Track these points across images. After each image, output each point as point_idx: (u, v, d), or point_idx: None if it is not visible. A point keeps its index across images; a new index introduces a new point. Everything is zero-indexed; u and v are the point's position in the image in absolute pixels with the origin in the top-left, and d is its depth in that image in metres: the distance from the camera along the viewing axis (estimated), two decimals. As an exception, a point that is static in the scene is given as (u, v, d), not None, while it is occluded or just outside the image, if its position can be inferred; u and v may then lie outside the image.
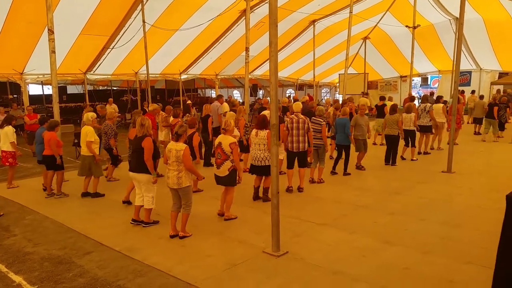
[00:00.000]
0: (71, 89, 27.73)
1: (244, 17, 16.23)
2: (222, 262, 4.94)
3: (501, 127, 14.80)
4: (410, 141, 10.94)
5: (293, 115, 7.94)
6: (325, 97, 30.79)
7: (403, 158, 10.99)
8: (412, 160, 10.95)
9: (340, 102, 13.19)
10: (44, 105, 22.44)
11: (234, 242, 5.62)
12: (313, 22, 21.13)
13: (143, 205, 6.31)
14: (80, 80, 19.03)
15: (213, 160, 7.27)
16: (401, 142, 10.55)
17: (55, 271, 4.85)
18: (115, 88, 29.00)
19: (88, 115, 8.16)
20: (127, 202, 7.39)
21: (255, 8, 16.67)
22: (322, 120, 8.62)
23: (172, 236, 5.75)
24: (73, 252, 5.42)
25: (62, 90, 24.84)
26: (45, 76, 16.12)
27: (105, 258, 5.19)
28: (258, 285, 4.37)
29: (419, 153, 11.72)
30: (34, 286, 4.50)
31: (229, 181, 6.44)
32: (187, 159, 5.58)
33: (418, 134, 11.50)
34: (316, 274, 4.60)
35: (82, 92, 23.26)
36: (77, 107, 22.48)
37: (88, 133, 7.80)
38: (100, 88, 28.59)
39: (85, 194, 8.03)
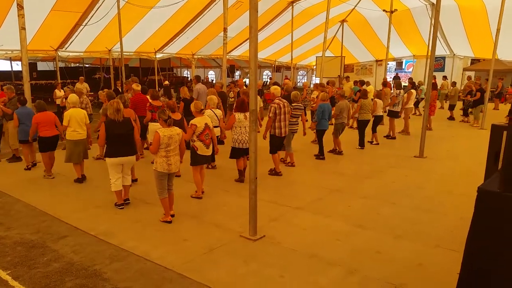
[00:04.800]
0: (41, 66, 26.76)
1: (222, -4, 15.95)
2: (199, 246, 4.98)
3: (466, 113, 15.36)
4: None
5: (278, 100, 7.94)
6: (303, 81, 30.86)
7: (374, 143, 11.26)
8: (377, 144, 11.26)
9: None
10: (13, 82, 21.62)
11: (210, 226, 5.65)
12: (292, 3, 20.98)
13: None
14: (51, 57, 18.41)
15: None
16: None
17: (28, 256, 4.77)
18: (87, 66, 28.21)
19: (74, 98, 7.78)
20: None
21: (233, -13, 16.40)
22: (301, 105, 8.83)
23: (170, 222, 5.74)
24: (47, 236, 5.34)
25: (32, 66, 23.84)
26: (14, 52, 15.52)
27: (80, 242, 5.14)
28: (236, 270, 4.43)
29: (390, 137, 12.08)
30: (7, 271, 4.42)
31: (212, 157, 6.96)
32: (183, 142, 5.89)
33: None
34: (292, 258, 4.70)
35: (53, 69, 22.50)
36: (48, 85, 21.77)
37: (86, 115, 7.64)
38: (72, 65, 27.74)
39: (83, 179, 7.73)
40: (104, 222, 5.78)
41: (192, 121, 6.60)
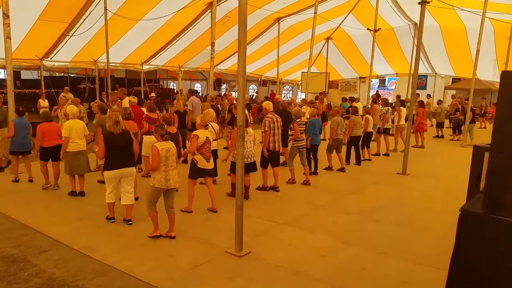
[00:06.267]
0: (25, 75, 26.38)
1: (209, 10, 16.10)
2: (184, 262, 4.94)
3: (459, 131, 15.69)
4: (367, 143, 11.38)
5: (271, 115, 8.00)
6: (288, 95, 31.16)
7: (367, 159, 11.37)
8: (368, 160, 11.38)
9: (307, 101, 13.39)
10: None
11: (196, 241, 5.62)
12: (278, 19, 21.30)
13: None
14: (35, 65, 18.22)
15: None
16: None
17: (8, 271, 4.66)
18: (72, 75, 27.96)
19: (74, 110, 7.73)
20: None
21: (221, 2, 16.55)
22: (304, 121, 8.92)
23: (159, 236, 5.61)
24: (29, 250, 5.22)
25: (15, 75, 23.43)
26: (-3, 60, 15.28)
27: (62, 256, 5.04)
28: (221, 286, 4.41)
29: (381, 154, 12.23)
30: (-14, 286, 4.32)
31: (215, 170, 6.94)
32: (177, 156, 5.86)
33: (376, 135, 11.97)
34: (278, 274, 4.70)
35: (37, 78, 22.23)
36: (32, 94, 21.48)
37: (85, 127, 7.57)
38: (57, 74, 27.45)
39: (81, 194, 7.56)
40: (88, 236, 5.69)
41: (194, 132, 6.64)
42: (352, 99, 14.34)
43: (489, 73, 21.76)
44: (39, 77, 19.55)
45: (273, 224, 6.33)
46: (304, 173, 8.82)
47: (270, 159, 8.08)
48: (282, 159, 9.03)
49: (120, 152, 6.00)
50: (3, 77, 23.72)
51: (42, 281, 4.43)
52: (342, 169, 10.05)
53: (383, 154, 12.21)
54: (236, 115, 7.88)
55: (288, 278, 4.63)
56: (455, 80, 26.04)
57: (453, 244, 2.73)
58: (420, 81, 25.18)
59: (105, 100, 14.89)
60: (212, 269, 4.80)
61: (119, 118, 6.00)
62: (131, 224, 6.14)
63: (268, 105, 8.26)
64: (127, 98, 10.82)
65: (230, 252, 5.18)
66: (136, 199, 7.10)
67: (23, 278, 4.49)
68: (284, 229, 6.16)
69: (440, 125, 16.50)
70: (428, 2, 9.69)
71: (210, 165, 6.73)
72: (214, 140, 7.79)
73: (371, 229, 6.29)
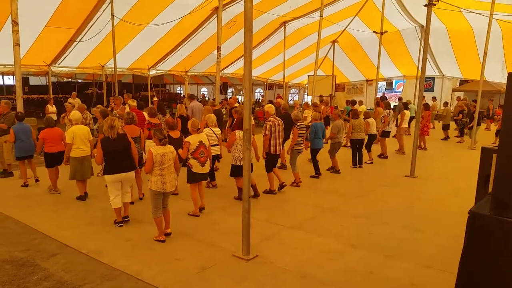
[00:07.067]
0: (33, 80, 26.70)
1: (215, 15, 16.19)
2: (191, 265, 4.95)
3: (462, 133, 15.60)
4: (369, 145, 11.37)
5: (273, 118, 8.00)
6: (294, 99, 31.16)
7: (369, 161, 11.33)
8: (371, 163, 11.34)
9: (311, 104, 13.39)
10: (5, 96, 21.54)
11: (204, 244, 5.62)
12: (284, 23, 21.35)
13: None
14: (43, 71, 18.44)
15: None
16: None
17: (18, 275, 4.70)
18: (80, 81, 28.25)
19: (77, 115, 7.79)
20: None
21: (227, 7, 16.63)
22: (304, 125, 8.92)
23: (163, 241, 5.67)
24: (38, 254, 5.26)
25: (24, 81, 23.79)
26: (6, 66, 15.49)
27: (71, 260, 5.08)
28: (228, 290, 4.42)
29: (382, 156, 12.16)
30: (-4, 290, 4.36)
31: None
32: (177, 160, 5.86)
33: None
34: (285, 278, 4.70)
35: (45, 83, 22.47)
36: (40, 100, 21.72)
37: (89, 132, 7.64)
38: (65, 80, 27.73)
39: (85, 196, 7.64)
40: (96, 240, 5.73)
41: (186, 139, 6.63)
42: (354, 102, 14.31)
43: (497, 74, 21.58)
44: (47, 83, 19.77)
45: (280, 228, 6.32)
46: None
47: (272, 162, 8.10)
48: (278, 162, 9.00)
49: (117, 156, 6.06)
50: (12, 83, 24.04)
51: (51, 285, 4.46)
52: (337, 171, 10.09)
53: (377, 156, 12.10)
54: (236, 119, 7.99)
55: (295, 281, 4.62)
56: (462, 82, 25.88)
57: (461, 246, 2.72)
58: (427, 84, 25.08)
59: (113, 105, 14.99)
60: (220, 272, 4.80)
61: (115, 123, 6.06)
62: (128, 220, 6.34)
63: (270, 108, 8.28)
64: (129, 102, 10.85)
65: (238, 256, 5.18)
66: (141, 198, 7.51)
67: (32, 282, 4.53)
68: (291, 233, 6.15)
69: (446, 127, 16.38)
70: (435, 5, 9.65)
71: (205, 169, 6.74)
72: (215, 145, 7.81)
73: (379, 232, 6.25)
